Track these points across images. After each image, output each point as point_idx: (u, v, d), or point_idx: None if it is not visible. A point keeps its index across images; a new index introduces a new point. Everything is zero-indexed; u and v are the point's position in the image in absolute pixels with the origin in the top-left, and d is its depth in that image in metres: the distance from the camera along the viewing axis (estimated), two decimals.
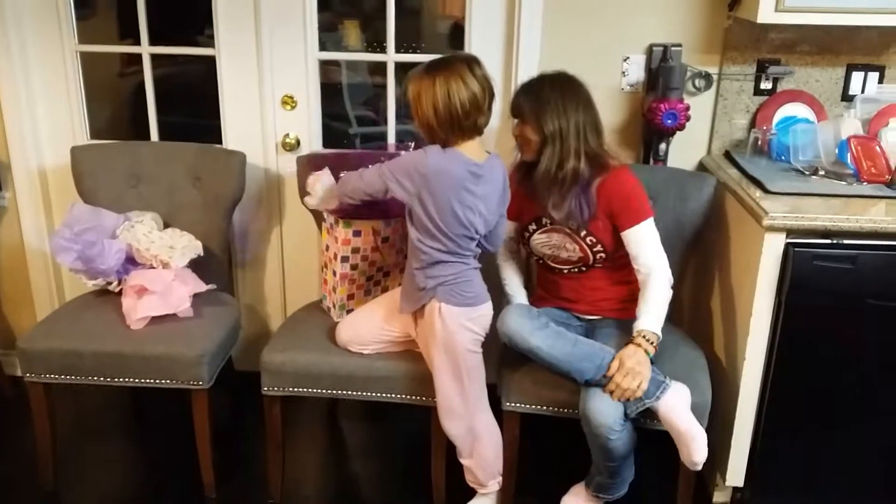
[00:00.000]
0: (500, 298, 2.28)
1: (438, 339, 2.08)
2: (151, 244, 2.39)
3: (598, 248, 2.16)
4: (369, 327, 2.24)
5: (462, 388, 2.12)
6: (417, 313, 2.14)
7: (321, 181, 2.21)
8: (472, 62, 1.99)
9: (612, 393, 2.00)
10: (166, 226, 2.56)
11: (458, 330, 2.07)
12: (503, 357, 2.24)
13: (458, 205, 1.97)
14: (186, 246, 2.42)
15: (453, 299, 2.06)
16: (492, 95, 2.02)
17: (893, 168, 2.24)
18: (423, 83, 1.97)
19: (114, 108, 3.17)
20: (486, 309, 2.13)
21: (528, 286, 2.38)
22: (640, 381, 1.97)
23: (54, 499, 2.39)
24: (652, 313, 2.06)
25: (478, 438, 2.19)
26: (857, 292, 2.07)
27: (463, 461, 2.23)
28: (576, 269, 2.23)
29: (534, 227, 2.22)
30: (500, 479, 2.27)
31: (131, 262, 2.43)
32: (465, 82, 1.95)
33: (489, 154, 2.08)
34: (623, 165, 2.18)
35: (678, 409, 2.00)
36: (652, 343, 2.02)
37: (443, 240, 2.01)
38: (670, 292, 2.12)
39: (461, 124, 1.97)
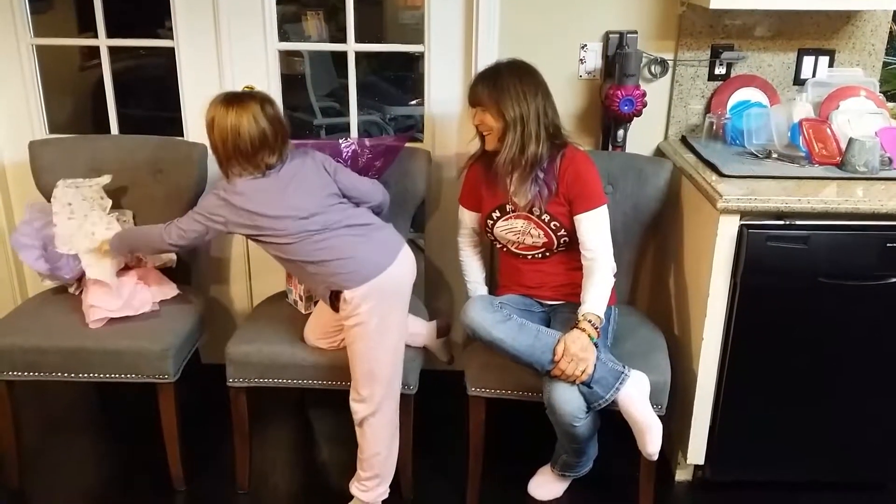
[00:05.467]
0: (456, 288, 2.30)
1: (352, 323, 2.07)
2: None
3: (562, 232, 2.19)
4: (329, 322, 2.24)
5: (380, 362, 2.11)
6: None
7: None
8: (266, 101, 2.07)
9: (556, 377, 2.03)
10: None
11: (363, 307, 2.05)
12: (468, 343, 2.26)
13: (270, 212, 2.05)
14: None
15: (354, 278, 2.04)
16: (283, 137, 2.08)
17: (843, 150, 2.30)
18: (217, 111, 2.04)
19: (76, 102, 3.14)
20: (393, 270, 2.09)
21: (489, 279, 2.40)
22: (584, 366, 2.00)
23: (20, 497, 2.38)
24: (597, 297, 2.10)
25: (373, 417, 2.17)
26: (809, 271, 2.12)
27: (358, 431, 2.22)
28: (539, 255, 2.25)
29: (497, 214, 2.24)
30: (386, 491, 2.26)
31: None
32: (256, 120, 2.02)
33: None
34: (582, 150, 2.21)
35: (636, 400, 2.04)
36: (595, 327, 2.06)
37: (290, 239, 2.07)
38: (613, 280, 2.16)
39: (249, 159, 2.04)
